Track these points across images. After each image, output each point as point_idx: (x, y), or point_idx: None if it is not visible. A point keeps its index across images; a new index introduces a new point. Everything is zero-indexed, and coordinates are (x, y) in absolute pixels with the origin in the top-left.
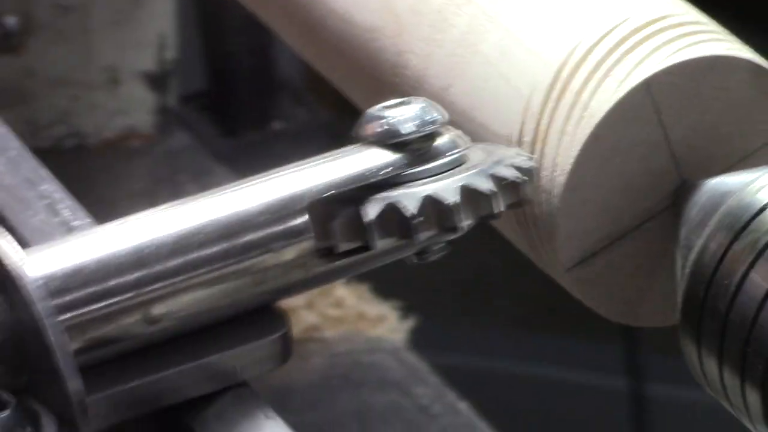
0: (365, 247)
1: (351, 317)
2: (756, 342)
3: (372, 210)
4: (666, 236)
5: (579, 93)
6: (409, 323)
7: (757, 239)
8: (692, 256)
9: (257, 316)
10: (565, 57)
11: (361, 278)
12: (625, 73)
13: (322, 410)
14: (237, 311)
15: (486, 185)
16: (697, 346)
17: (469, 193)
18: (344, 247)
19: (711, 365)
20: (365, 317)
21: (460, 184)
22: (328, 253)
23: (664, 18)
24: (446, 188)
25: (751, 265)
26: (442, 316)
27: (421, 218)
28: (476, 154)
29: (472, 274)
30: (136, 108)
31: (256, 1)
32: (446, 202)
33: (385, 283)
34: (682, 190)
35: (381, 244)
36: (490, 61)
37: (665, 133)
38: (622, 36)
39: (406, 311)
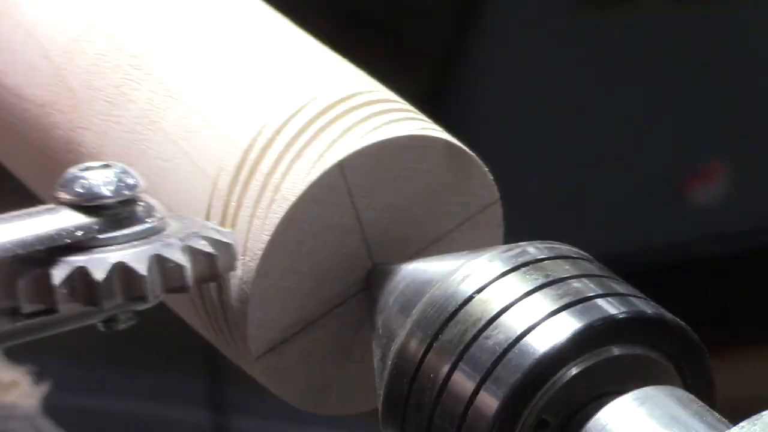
0: (50, 311)
1: None
2: None
3: (60, 273)
4: (357, 322)
5: (269, 175)
6: (42, 389)
7: (464, 331)
8: (395, 347)
9: None
10: (254, 137)
11: None
12: (317, 154)
13: None
14: None
15: (178, 256)
16: None
17: (160, 263)
18: (28, 308)
19: None
20: None
21: (152, 253)
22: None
23: (353, 96)
24: (137, 257)
25: (459, 359)
26: None
27: (109, 286)
28: (174, 223)
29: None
30: None
31: None
32: (137, 271)
33: (18, 347)
34: (375, 274)
35: (66, 308)
36: (173, 140)
37: (358, 215)
38: (312, 115)
39: (39, 376)
